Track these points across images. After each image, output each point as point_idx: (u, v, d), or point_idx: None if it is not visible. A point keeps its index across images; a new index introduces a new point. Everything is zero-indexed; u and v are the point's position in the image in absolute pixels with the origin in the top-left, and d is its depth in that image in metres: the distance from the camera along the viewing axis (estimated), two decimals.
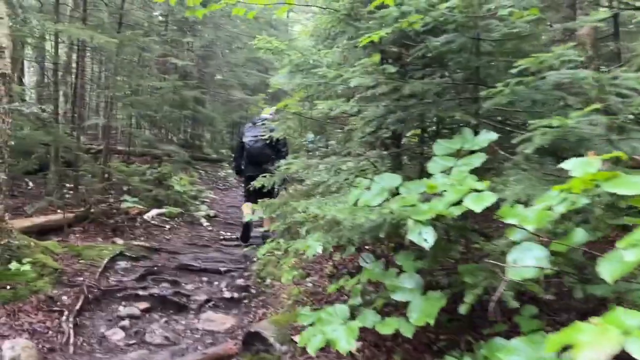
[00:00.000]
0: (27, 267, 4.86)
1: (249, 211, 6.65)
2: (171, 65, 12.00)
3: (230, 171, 15.53)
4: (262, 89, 19.28)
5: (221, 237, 7.98)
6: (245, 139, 6.84)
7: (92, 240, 6.55)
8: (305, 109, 4.92)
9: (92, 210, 7.24)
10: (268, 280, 5.50)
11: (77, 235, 6.63)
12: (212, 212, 9.75)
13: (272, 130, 5.13)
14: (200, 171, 13.86)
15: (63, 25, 5.74)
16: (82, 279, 5.23)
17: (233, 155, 8.14)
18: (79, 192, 7.71)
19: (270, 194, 5.88)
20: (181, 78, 11.15)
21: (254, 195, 6.41)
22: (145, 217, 7.95)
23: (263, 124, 6.22)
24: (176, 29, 12.87)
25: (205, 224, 8.75)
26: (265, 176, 4.55)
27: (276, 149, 6.63)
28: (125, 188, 8.42)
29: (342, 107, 3.14)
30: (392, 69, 3.16)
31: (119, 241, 6.58)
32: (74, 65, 8.01)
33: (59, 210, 6.95)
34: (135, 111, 8.72)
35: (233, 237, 8.03)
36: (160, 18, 12.89)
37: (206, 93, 13.71)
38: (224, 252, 6.94)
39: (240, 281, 5.68)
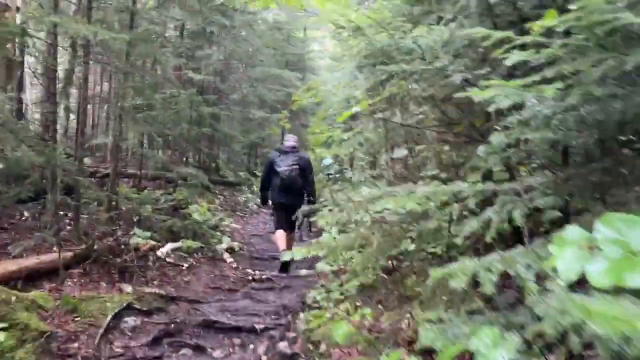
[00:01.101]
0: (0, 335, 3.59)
1: (284, 243, 6.98)
2: (187, 79, 10.83)
3: (250, 195, 14.26)
4: (280, 108, 18.18)
5: (249, 278, 6.65)
6: (280, 169, 6.89)
7: (94, 287, 5.25)
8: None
9: (95, 247, 5.95)
10: (323, 346, 4.17)
11: (76, 280, 5.34)
12: (235, 245, 8.45)
13: (302, 158, 6.91)
14: (219, 196, 12.60)
15: (61, 19, 4.51)
16: (76, 345, 3.94)
17: (252, 179, 10.04)
18: (80, 225, 6.44)
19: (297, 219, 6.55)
20: (198, 93, 9.95)
21: (284, 223, 6.92)
22: (159, 253, 6.66)
23: (292, 152, 6.91)
24: (192, 41, 11.73)
25: (229, 259, 7.44)
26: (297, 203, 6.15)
27: (304, 175, 6.92)
28: (135, 218, 7.14)
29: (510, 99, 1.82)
30: None
31: (127, 288, 5.27)
32: (78, 74, 6.87)
33: (54, 248, 5.67)
34: (148, 129, 7.48)
35: (263, 276, 6.71)
36: (171, 28, 11.79)
37: (223, 110, 12.54)
38: (256, 300, 5.61)
39: (282, 345, 4.33)
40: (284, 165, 6.88)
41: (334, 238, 5.51)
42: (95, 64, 10.03)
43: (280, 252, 6.87)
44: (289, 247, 6.86)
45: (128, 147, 11.42)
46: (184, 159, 11.18)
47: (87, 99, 6.26)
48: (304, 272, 6.88)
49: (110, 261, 5.95)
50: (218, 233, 8.53)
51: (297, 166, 6.88)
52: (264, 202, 7.46)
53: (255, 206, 13.62)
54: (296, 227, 7.61)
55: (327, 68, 30.43)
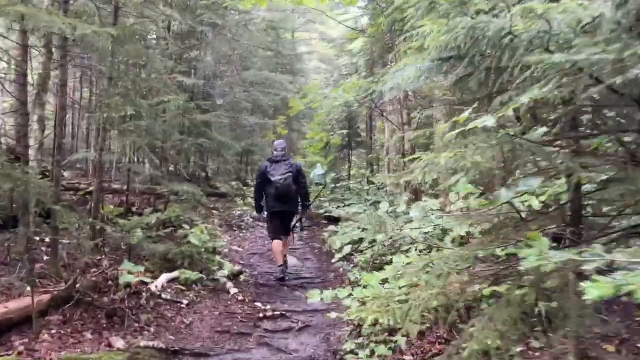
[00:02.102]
0: None
1: (280, 250, 7.22)
2: (177, 83, 9.83)
3: (244, 208, 13.28)
4: (272, 114, 17.23)
5: (260, 314, 5.69)
6: (274, 178, 6.99)
7: (77, 341, 4.26)
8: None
9: (77, 284, 4.96)
10: None
11: (54, 332, 4.34)
12: (236, 269, 7.48)
13: (292, 165, 7.09)
14: (213, 211, 11.60)
15: (30, 9, 3.53)
16: None
17: (244, 189, 9.95)
18: (59, 256, 5.44)
19: (291, 220, 7.29)
20: (189, 99, 8.97)
21: (281, 230, 7.22)
22: (153, 287, 5.68)
23: (284, 160, 7.05)
24: (181, 42, 10.74)
25: (233, 290, 6.47)
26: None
27: (298, 182, 7.09)
28: (124, 246, 6.15)
29: None
30: None
31: (118, 342, 4.28)
32: (55, 80, 5.88)
33: (28, 289, 4.67)
34: (136, 140, 6.50)
35: (276, 312, 5.76)
36: (154, 30, 10.79)
37: (214, 117, 11.56)
38: (275, 348, 4.65)
39: None
40: (278, 175, 6.98)
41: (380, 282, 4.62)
42: (75, 67, 9.00)
43: (278, 267, 7.31)
44: (284, 252, 7.25)
45: (113, 161, 10.38)
46: (175, 170, 10.17)
47: (65, 107, 5.26)
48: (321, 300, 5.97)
49: (96, 302, 4.96)
50: (217, 257, 7.54)
51: (291, 174, 7.01)
52: (258, 211, 7.50)
53: (250, 219, 12.64)
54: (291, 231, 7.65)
55: (315, 70, 29.63)
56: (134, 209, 8.70)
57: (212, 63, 10.39)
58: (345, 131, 14.42)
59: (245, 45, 11.32)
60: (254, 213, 8.25)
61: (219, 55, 10.57)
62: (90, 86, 11.52)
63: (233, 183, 15.75)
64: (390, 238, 5.52)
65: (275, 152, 7.26)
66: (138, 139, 6.75)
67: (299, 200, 7.34)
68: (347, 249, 7.97)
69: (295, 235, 8.64)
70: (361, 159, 18.52)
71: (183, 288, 6.06)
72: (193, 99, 9.33)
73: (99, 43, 5.10)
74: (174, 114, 8.14)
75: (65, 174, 11.84)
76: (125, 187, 8.59)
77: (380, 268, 6.72)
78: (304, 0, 14.15)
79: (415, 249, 5.60)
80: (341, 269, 7.79)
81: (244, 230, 11.57)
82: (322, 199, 15.18)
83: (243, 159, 18.90)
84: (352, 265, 7.67)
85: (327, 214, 12.57)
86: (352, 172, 17.29)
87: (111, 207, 7.93)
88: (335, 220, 12.02)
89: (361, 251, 7.97)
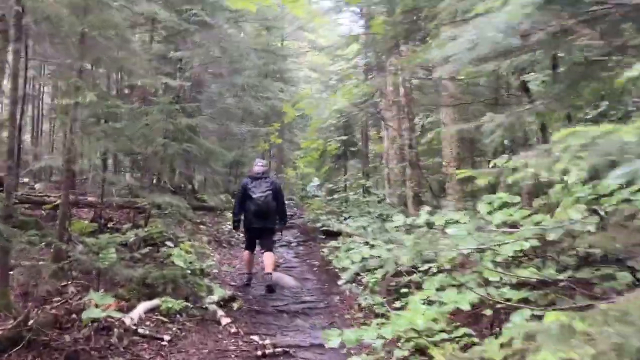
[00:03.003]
0: None
1: (250, 260, 7.50)
2: (161, 85, 8.88)
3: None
4: (262, 123, 16.28)
5: (258, 351, 4.70)
6: (255, 195, 7.08)
7: None
8: None
9: (30, 321, 3.96)
10: None
11: None
12: (228, 293, 6.49)
13: (273, 183, 7.27)
14: (200, 226, 10.59)
15: None
16: None
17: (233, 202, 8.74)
18: (8, 287, 4.43)
19: (272, 234, 7.46)
20: (173, 101, 8.02)
21: (257, 244, 7.41)
22: (127, 320, 4.67)
23: (264, 178, 7.19)
24: (165, 42, 9.81)
25: (225, 320, 5.47)
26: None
27: (276, 198, 7.21)
28: (94, 270, 5.15)
29: None
30: None
31: None
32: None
33: None
34: (111, 145, 5.54)
35: (277, 349, 4.78)
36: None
37: (202, 122, 10.60)
38: None
39: None
40: (259, 192, 7.09)
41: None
42: (35, 56, 8.01)
43: (246, 274, 7.57)
44: (269, 267, 7.16)
45: (89, 170, 9.35)
46: (158, 181, 9.17)
47: (17, 102, 4.28)
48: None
49: (54, 343, 3.96)
50: (206, 279, 6.55)
51: (271, 192, 7.13)
52: (236, 227, 7.69)
53: (241, 235, 11.64)
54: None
55: (305, 80, 28.81)
56: (111, 224, 7.69)
57: (200, 64, 9.45)
58: (343, 137, 13.51)
59: (237, 45, 10.37)
60: (232, 227, 8.26)
61: (207, 57, 9.65)
62: (52, 78, 10.42)
63: (222, 196, 14.73)
64: (420, 256, 4.57)
65: (256, 168, 7.38)
66: (113, 144, 5.75)
67: (277, 217, 7.48)
68: (354, 267, 7.00)
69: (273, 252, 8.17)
70: (356, 169, 17.64)
71: (165, 320, 5.06)
72: (179, 103, 8.35)
73: (63, 23, 4.13)
74: (156, 118, 7.19)
75: (38, 186, 10.79)
76: (100, 200, 7.56)
77: (399, 293, 5.78)
78: (294, 10, 13.46)
79: (445, 273, 4.66)
80: (347, 292, 6.84)
81: (234, 247, 10.56)
82: (317, 211, 14.24)
83: (232, 170, 17.88)
84: (361, 287, 6.73)
85: (325, 227, 11.61)
86: (347, 184, 16.39)
87: (84, 223, 6.92)
88: (334, 234, 11.08)
89: (369, 270, 7.03)
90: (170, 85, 8.80)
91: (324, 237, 11.48)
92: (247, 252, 7.51)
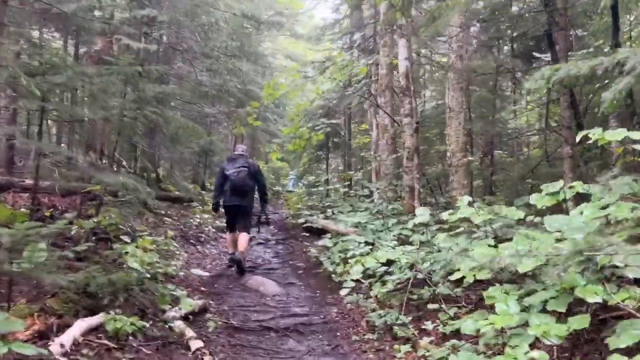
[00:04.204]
0: None
1: (233, 240, 7.36)
2: (122, 47, 7.37)
3: (205, 216, 10.77)
4: (235, 108, 14.72)
5: None
6: (228, 172, 7.26)
7: None
8: None
9: None
10: None
11: None
12: (198, 303, 5.05)
13: (250, 163, 7.40)
14: (165, 218, 9.05)
15: None
16: None
17: (204, 193, 10.60)
18: None
19: (248, 216, 7.44)
20: (134, 62, 6.50)
21: (237, 223, 7.32)
22: (55, 347, 3.21)
23: (241, 157, 7.41)
24: None
25: (195, 343, 4.03)
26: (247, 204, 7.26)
27: (255, 179, 7.40)
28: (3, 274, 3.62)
29: None
30: None
31: None
32: None
33: None
34: (44, 106, 4.04)
35: None
36: None
37: (166, 102, 9.06)
38: None
39: None
40: (232, 169, 7.25)
41: None
42: None
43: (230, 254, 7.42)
44: (242, 247, 7.16)
45: (31, 146, 7.70)
46: (114, 163, 7.61)
47: None
48: None
49: None
50: (170, 285, 5.10)
51: (246, 169, 7.24)
52: (215, 209, 7.64)
53: (212, 230, 10.16)
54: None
55: (281, 69, 27.34)
56: (50, 213, 6.13)
57: (168, 26, 7.90)
58: (334, 121, 12.13)
59: (209, 10, 8.75)
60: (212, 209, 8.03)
61: (176, 19, 8.07)
62: None
63: (190, 186, 13.19)
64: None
65: (235, 152, 7.73)
66: (48, 104, 4.26)
67: (257, 197, 7.65)
68: (356, 272, 5.65)
69: (254, 235, 8.64)
70: (338, 162, 16.33)
71: (112, 345, 3.60)
72: (143, 66, 6.81)
73: None
74: (111, 80, 5.68)
75: None
76: (35, 182, 5.97)
77: (425, 309, 4.45)
78: None
79: (512, 286, 3.34)
80: (349, 305, 5.48)
81: (205, 244, 9.08)
82: (297, 206, 12.86)
83: (201, 160, 16.29)
84: (366, 298, 5.38)
85: (308, 224, 10.23)
86: (329, 177, 15.05)
87: (9, 209, 5.34)
88: (318, 232, 9.72)
89: (372, 275, 5.69)
90: (132, 47, 7.28)
91: (307, 234, 10.10)
92: (229, 234, 7.52)
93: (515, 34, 10.06)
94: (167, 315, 4.38)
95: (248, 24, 10.87)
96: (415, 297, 4.70)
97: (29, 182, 7.09)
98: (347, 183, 12.93)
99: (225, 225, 7.89)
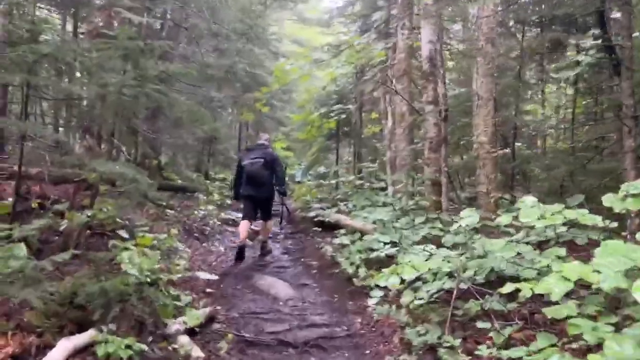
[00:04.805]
0: None
1: (245, 232, 7.33)
2: (122, 21, 6.68)
3: (209, 207, 10.11)
4: (243, 92, 13.98)
5: None
6: (244, 162, 7.40)
7: None
8: None
9: None
10: None
11: None
12: (205, 311, 4.40)
13: (267, 153, 7.41)
14: (167, 211, 8.37)
15: None
16: None
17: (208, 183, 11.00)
18: None
19: (268, 206, 7.64)
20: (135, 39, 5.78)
21: (253, 211, 7.51)
22: None
23: (259, 148, 7.54)
24: None
25: None
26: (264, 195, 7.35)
27: (272, 169, 7.38)
28: None
29: None
30: None
31: None
32: None
33: None
34: (28, 79, 3.35)
35: None
36: None
37: (170, 82, 8.34)
38: None
39: None
40: (248, 159, 7.36)
41: None
42: None
43: (238, 245, 7.34)
44: (263, 233, 7.79)
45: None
46: (112, 148, 6.94)
47: None
48: None
49: None
50: (173, 290, 4.43)
51: (262, 160, 7.28)
52: (236, 197, 7.85)
53: (217, 223, 9.50)
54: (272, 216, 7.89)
55: (288, 54, 26.52)
56: (39, 203, 5.47)
57: (173, 1, 7.18)
58: (349, 106, 11.38)
59: None
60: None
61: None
62: None
63: (193, 176, 12.51)
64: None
65: (257, 142, 7.81)
66: (35, 77, 3.57)
67: (275, 187, 7.58)
68: (392, 284, 4.94)
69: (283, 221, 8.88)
70: (348, 152, 15.63)
71: None
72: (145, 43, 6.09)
73: None
74: (109, 54, 5.00)
75: None
76: (32, 169, 5.30)
77: (477, 329, 3.77)
78: None
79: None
80: (375, 314, 4.81)
81: (209, 238, 8.42)
82: (305, 199, 12.19)
83: (205, 148, 15.60)
84: (394, 307, 4.71)
85: (320, 218, 9.57)
86: (338, 169, 14.36)
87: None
88: (330, 227, 9.07)
89: (401, 281, 5.00)
90: (133, 22, 6.58)
91: (318, 229, 9.44)
92: (243, 221, 7.50)
93: (544, 18, 9.35)
94: (170, 329, 3.71)
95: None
96: (459, 312, 4.03)
97: (17, 169, 6.42)
98: (359, 175, 12.22)
99: (230, 217, 8.32)
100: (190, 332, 3.89)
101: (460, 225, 4.08)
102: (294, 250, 8.59)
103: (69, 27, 8.38)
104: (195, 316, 3.97)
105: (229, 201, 11.65)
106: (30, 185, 5.99)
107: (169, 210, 8.33)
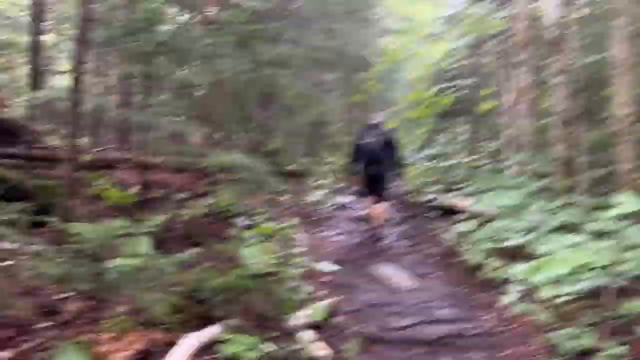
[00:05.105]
0: None
1: (373, 216, 7.56)
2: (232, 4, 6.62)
3: (323, 192, 10.01)
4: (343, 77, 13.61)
5: None
6: (362, 141, 7.35)
7: None
8: None
9: None
10: None
11: None
12: (326, 305, 4.19)
13: (383, 133, 7.31)
14: (281, 197, 8.36)
15: None
16: None
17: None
18: None
19: (386, 186, 7.44)
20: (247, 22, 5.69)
21: (375, 189, 7.39)
22: None
23: (377, 127, 7.44)
24: None
25: None
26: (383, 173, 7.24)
27: (390, 147, 7.27)
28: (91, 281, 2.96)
29: None
30: None
31: None
32: None
33: None
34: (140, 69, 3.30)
35: None
36: None
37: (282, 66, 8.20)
38: None
39: None
40: (367, 138, 7.31)
41: None
42: None
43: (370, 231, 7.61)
44: (379, 220, 7.58)
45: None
46: (230, 137, 6.97)
47: None
48: None
49: None
50: (293, 282, 4.28)
51: (377, 139, 7.20)
52: (352, 173, 7.69)
53: (329, 208, 9.36)
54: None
55: (393, 32, 25.69)
56: (161, 192, 5.59)
57: None
58: (469, 82, 10.70)
59: None
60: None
61: None
62: None
63: (304, 159, 12.50)
64: None
65: (371, 122, 7.68)
66: (144, 66, 3.52)
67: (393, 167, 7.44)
68: (540, 282, 4.41)
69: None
70: (460, 132, 14.81)
71: None
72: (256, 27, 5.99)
73: None
74: (224, 41, 4.92)
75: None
76: (153, 159, 5.42)
77: (627, 331, 3.23)
78: None
79: None
80: (511, 311, 4.35)
81: (323, 224, 8.30)
82: (419, 181, 11.72)
83: (314, 131, 15.52)
84: (532, 304, 4.20)
85: (436, 202, 9.10)
86: (451, 149, 13.66)
87: (116, 192, 4.80)
88: (447, 212, 8.57)
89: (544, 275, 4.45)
90: (242, 7, 6.48)
91: (434, 214, 8.96)
92: (366, 203, 7.76)
93: None
94: (293, 324, 3.55)
95: None
96: (616, 312, 3.48)
97: (142, 158, 6.65)
98: (477, 156, 11.49)
99: (342, 201, 8.91)
100: (313, 329, 3.71)
101: (618, 213, 3.50)
102: (409, 237, 8.21)
103: (186, 16, 8.54)
104: (319, 309, 3.77)
105: (339, 185, 11.48)
106: (153, 175, 6.15)
107: (282, 197, 8.30)
